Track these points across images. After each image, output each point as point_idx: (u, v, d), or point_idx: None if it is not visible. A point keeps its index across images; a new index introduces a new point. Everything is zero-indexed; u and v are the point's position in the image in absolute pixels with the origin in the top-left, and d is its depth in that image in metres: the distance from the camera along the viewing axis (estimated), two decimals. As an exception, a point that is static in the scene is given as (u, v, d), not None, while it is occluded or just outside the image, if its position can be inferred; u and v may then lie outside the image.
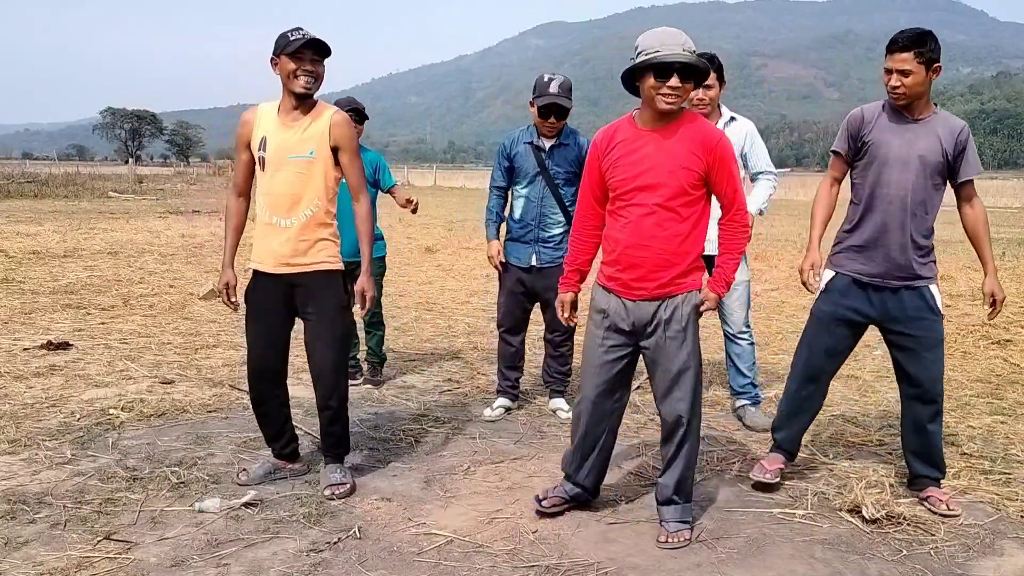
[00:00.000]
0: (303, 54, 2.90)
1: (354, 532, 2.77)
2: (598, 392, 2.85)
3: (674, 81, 2.52)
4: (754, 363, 4.17)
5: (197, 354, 5.20)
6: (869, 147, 3.04)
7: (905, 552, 2.72)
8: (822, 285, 3.17)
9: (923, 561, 2.66)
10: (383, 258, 4.82)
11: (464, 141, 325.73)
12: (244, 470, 3.24)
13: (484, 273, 9.38)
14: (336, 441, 3.20)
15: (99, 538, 2.68)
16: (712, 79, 3.88)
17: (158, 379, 4.64)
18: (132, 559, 2.56)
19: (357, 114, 4.35)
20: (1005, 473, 3.35)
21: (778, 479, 3.21)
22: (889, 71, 2.92)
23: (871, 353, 5.62)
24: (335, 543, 2.70)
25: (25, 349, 5.21)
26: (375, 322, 4.78)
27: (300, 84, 2.91)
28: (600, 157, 2.75)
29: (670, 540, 2.74)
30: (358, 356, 4.80)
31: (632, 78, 2.63)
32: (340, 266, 3.15)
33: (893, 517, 2.91)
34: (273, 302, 3.09)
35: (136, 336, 5.72)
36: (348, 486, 3.11)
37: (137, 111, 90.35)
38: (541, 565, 2.58)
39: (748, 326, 4.12)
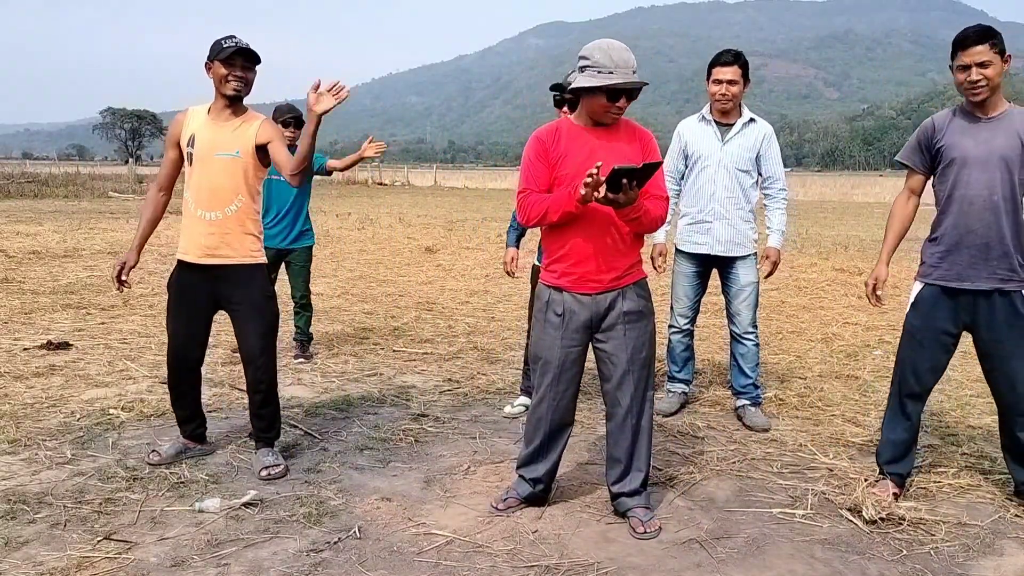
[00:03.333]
0: (235, 61, 3.10)
1: (354, 532, 2.77)
2: (560, 392, 2.89)
3: (622, 103, 2.69)
4: (757, 364, 4.17)
5: (197, 354, 5.21)
6: (943, 151, 3.00)
7: (905, 552, 2.72)
8: (911, 299, 3.12)
9: (923, 561, 2.66)
10: (311, 248, 5.26)
11: (464, 141, 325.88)
12: (155, 452, 3.38)
13: (484, 273, 9.39)
14: (268, 424, 3.38)
15: (99, 538, 2.68)
16: (738, 75, 3.89)
17: (158, 379, 4.64)
18: (132, 559, 2.56)
19: (297, 120, 4.90)
20: (1005, 473, 3.35)
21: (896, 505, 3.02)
22: (966, 67, 2.87)
23: (871, 353, 5.63)
24: (335, 543, 2.70)
25: (25, 349, 5.21)
26: (305, 304, 5.24)
27: (231, 88, 3.12)
28: (549, 151, 2.76)
29: (648, 530, 2.80)
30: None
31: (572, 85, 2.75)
32: (263, 260, 3.35)
33: (893, 517, 2.91)
34: (196, 292, 3.28)
35: (136, 336, 5.72)
36: (282, 467, 3.28)
37: (137, 111, 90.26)
38: (541, 565, 2.58)
39: (755, 327, 4.12)
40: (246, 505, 2.94)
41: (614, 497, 2.94)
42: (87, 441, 3.60)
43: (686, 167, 4.14)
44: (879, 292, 3.22)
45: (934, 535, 2.84)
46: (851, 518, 2.95)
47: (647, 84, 2.70)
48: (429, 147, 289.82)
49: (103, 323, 6.13)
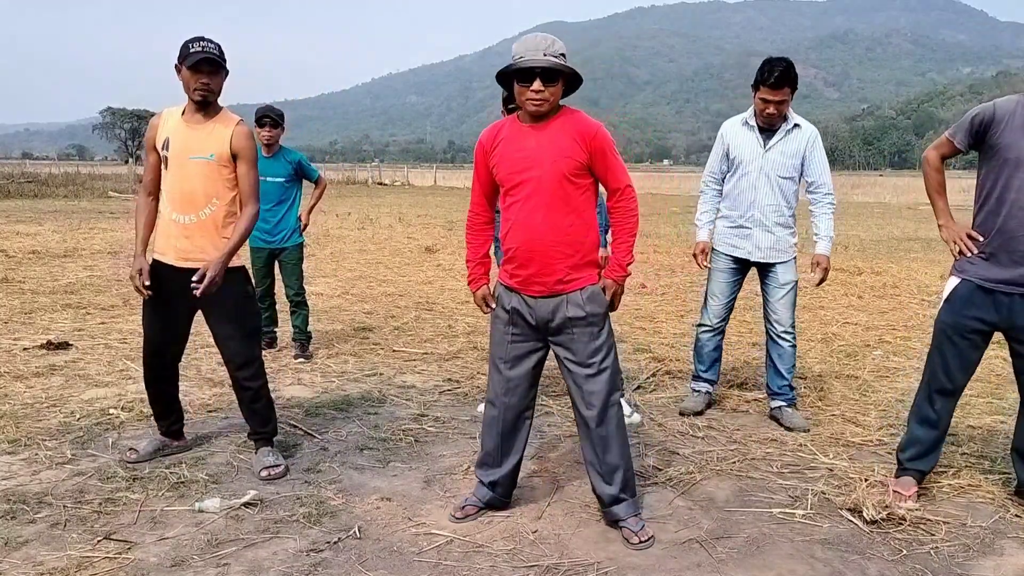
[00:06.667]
0: (200, 68, 3.08)
1: (354, 532, 2.78)
2: (510, 390, 2.87)
3: (536, 85, 2.60)
4: (793, 365, 4.13)
5: (196, 354, 5.19)
6: (1000, 149, 2.83)
7: (905, 552, 2.72)
8: (945, 294, 3.06)
9: (923, 561, 2.66)
10: (301, 245, 5.35)
11: (464, 141, 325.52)
12: (133, 449, 3.40)
13: (484, 273, 9.38)
14: (263, 420, 3.38)
15: (99, 538, 2.68)
16: (787, 95, 3.81)
17: (158, 379, 4.64)
18: (132, 559, 2.56)
19: (272, 121, 5.01)
20: (1005, 473, 3.35)
21: (918, 504, 3.02)
22: None
23: (871, 353, 5.63)
24: (335, 543, 2.70)
25: (25, 349, 5.21)
26: (299, 302, 5.27)
27: (197, 95, 3.11)
28: (487, 154, 2.80)
29: (642, 540, 2.72)
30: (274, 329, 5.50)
31: (509, 83, 2.72)
32: (239, 262, 3.28)
33: (893, 517, 2.91)
34: (172, 292, 3.22)
35: (136, 336, 5.71)
36: (282, 467, 3.27)
37: (137, 111, 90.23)
38: (541, 565, 2.58)
39: (793, 328, 4.08)
40: (246, 505, 2.94)
41: (601, 503, 2.88)
42: (87, 441, 3.60)
43: (729, 169, 4.10)
44: (971, 237, 3.00)
45: (934, 535, 2.84)
46: (851, 518, 2.95)
47: (569, 67, 2.58)
48: (429, 147, 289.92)
49: (103, 323, 6.13)
